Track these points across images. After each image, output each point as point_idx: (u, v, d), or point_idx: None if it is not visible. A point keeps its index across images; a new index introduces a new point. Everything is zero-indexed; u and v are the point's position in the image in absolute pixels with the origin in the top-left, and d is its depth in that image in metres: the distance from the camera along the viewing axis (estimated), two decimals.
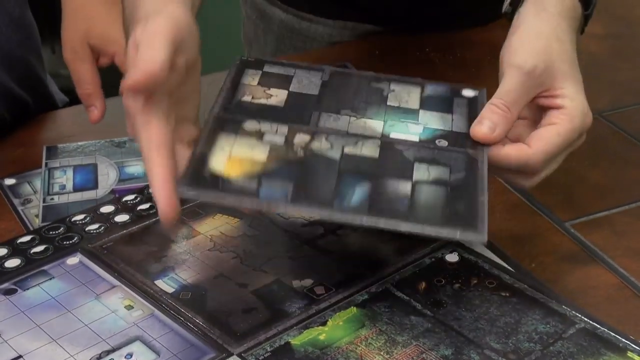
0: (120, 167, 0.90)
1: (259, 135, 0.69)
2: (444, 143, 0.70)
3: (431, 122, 0.72)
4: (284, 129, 0.69)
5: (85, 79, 0.93)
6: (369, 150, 0.68)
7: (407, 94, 0.75)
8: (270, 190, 0.64)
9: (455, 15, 0.84)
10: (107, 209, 0.82)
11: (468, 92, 0.76)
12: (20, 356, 0.66)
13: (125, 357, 0.66)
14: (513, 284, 0.72)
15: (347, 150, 0.68)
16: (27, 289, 0.73)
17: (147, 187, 0.85)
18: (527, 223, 0.80)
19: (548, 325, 0.68)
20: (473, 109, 0.74)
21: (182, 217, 0.78)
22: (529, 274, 0.74)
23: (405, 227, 0.63)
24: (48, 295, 0.72)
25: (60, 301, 0.72)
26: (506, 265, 0.74)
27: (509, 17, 0.76)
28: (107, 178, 0.88)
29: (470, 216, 0.63)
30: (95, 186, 0.87)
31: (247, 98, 0.73)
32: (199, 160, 0.66)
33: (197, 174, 0.65)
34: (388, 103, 0.74)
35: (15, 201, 0.85)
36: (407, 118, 0.72)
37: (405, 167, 0.67)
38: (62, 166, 0.90)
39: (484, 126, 0.69)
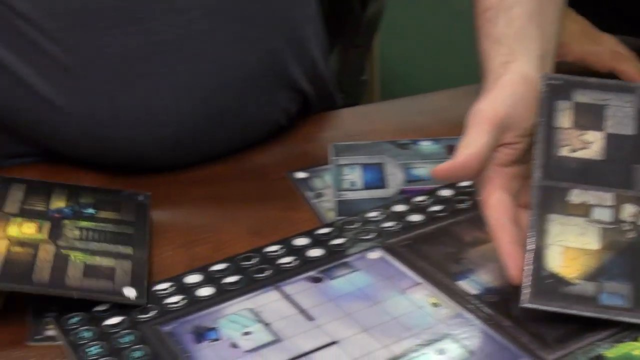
0: (406, 168, 0.91)
1: (587, 211, 0.71)
2: None
3: None
4: (609, 197, 0.72)
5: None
6: None
7: None
8: (610, 296, 0.68)
9: None
10: (399, 208, 0.84)
11: None
12: (335, 342, 0.69)
13: (439, 354, 0.67)
14: None
15: None
16: (333, 278, 0.75)
17: (437, 189, 0.86)
18: None
19: None
20: None
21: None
22: None
23: None
24: (354, 286, 0.74)
25: (367, 293, 0.73)
26: None
27: None
28: (395, 178, 0.89)
29: None
30: (383, 185, 0.89)
31: (565, 152, 0.74)
32: (537, 262, 0.70)
33: (538, 283, 0.69)
34: None
35: (309, 194, 0.88)
36: None
37: None
38: (351, 163, 0.92)
39: None
